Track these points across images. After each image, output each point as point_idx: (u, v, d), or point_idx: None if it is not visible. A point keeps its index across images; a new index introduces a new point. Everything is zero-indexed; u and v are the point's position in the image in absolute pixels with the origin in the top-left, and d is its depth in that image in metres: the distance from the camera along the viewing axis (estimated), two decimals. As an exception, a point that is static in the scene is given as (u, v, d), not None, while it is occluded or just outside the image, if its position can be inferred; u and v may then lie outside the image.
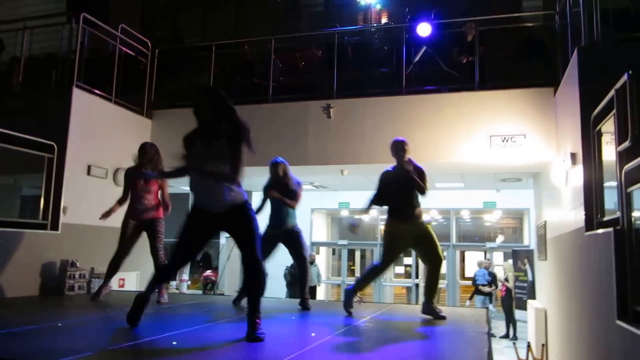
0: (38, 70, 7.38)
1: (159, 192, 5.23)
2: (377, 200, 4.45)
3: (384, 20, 8.88)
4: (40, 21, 7.28)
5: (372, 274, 4.53)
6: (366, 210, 4.50)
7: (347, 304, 4.43)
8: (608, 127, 3.89)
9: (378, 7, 8.89)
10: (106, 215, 5.12)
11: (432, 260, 4.33)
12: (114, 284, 6.29)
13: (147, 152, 5.07)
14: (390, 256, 4.42)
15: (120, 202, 5.20)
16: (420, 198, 4.37)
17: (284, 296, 10.33)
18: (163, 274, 3.63)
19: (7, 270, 5.27)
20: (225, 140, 3.18)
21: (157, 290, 5.07)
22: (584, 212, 4.36)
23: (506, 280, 10.81)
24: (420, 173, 4.34)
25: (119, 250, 5.12)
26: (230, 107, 3.25)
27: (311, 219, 13.65)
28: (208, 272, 12.37)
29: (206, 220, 3.28)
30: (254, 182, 7.42)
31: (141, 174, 4.96)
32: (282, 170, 4.95)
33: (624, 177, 3.30)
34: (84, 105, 6.44)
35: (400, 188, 4.28)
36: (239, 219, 3.24)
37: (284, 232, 4.86)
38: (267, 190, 4.93)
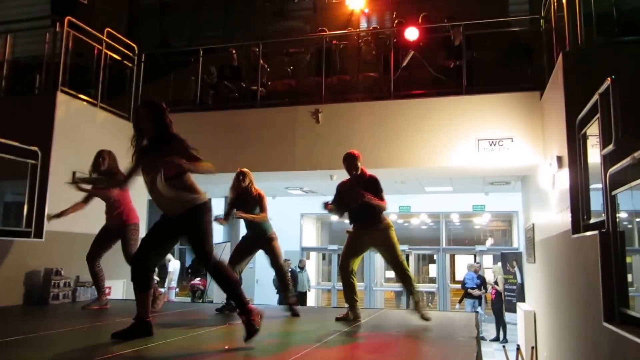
0: (22, 74, 7.29)
1: (121, 196, 5.11)
2: (337, 209, 4.46)
3: (372, 24, 8.90)
4: (24, 24, 7.20)
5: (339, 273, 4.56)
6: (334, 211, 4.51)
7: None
8: (593, 131, 3.91)
9: (366, 11, 8.91)
10: (52, 217, 5.04)
11: (392, 263, 4.38)
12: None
13: (105, 159, 4.98)
14: (345, 252, 4.43)
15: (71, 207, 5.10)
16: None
17: (276, 302, 10.27)
18: (138, 282, 3.44)
19: (-11, 279, 5.15)
20: (161, 154, 3.20)
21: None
22: (570, 215, 4.38)
23: (496, 283, 10.85)
24: (374, 183, 4.34)
25: (88, 254, 5.06)
26: (167, 123, 3.30)
27: (301, 224, 13.63)
28: (196, 280, 12.28)
29: (167, 224, 3.33)
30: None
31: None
32: (248, 180, 4.88)
33: (609, 180, 3.32)
34: (68, 110, 6.35)
35: (355, 201, 4.27)
36: (189, 223, 3.27)
37: (259, 240, 4.85)
38: (231, 206, 4.85)
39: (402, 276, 4.38)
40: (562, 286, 5.07)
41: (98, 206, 5.23)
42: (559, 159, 4.89)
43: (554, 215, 5.27)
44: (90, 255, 5.08)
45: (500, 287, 10.59)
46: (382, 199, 4.31)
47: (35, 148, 5.78)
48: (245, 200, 4.83)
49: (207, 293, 11.88)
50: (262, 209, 4.82)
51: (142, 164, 3.29)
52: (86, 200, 5.06)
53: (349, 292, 4.42)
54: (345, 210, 4.46)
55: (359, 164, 4.43)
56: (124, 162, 4.92)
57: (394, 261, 4.36)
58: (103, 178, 4.97)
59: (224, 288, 3.33)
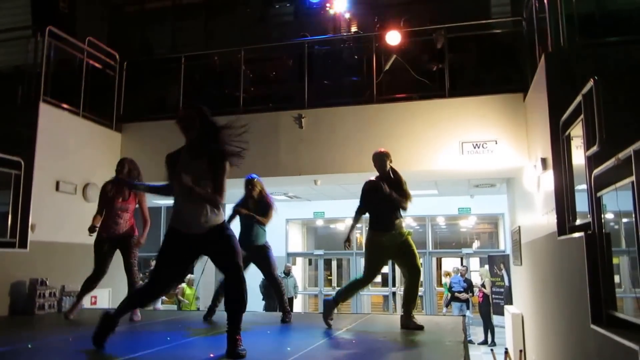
0: (3, 84, 7.16)
1: (135, 209, 5.07)
2: (362, 211, 4.40)
3: (353, 29, 8.93)
4: (5, 34, 7.09)
5: (355, 286, 4.45)
6: (355, 222, 4.43)
7: (327, 315, 4.37)
8: (577, 132, 3.95)
9: (347, 16, 8.94)
10: (93, 229, 4.87)
11: (411, 272, 4.28)
12: (85, 301, 6.11)
13: (124, 167, 4.91)
14: (373, 269, 4.36)
15: (98, 215, 4.98)
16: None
17: (262, 309, 10.20)
18: (138, 300, 3.42)
19: (-26, 291, 5.07)
20: (208, 160, 3.12)
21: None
22: (556, 217, 4.42)
23: (483, 286, 10.90)
24: (400, 183, 4.33)
25: (96, 270, 4.91)
26: (217, 127, 3.19)
27: (286, 230, 13.57)
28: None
29: (185, 243, 3.16)
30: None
31: (126, 184, 4.78)
32: (258, 187, 4.86)
33: (594, 182, 3.35)
34: (51, 119, 6.27)
35: (382, 199, 4.25)
36: (218, 241, 3.15)
37: (254, 250, 4.77)
38: (237, 208, 4.82)
39: (411, 287, 4.28)
40: (549, 288, 5.10)
41: (81, 216, 5.14)
42: (544, 160, 4.93)
43: (539, 217, 5.31)
44: (100, 273, 4.91)
45: (487, 290, 10.65)
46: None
47: (18, 158, 5.70)
48: (254, 209, 4.77)
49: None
50: (266, 215, 4.78)
51: (186, 170, 3.12)
52: (102, 209, 4.94)
53: (348, 296, 4.50)
54: (369, 211, 4.39)
55: (388, 163, 4.36)
56: (105, 170, 4.88)
57: (412, 270, 4.26)
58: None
59: (238, 302, 3.11)
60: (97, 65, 7.39)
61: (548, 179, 4.80)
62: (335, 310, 4.54)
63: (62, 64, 7.09)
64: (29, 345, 3.66)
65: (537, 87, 5.36)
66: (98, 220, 4.91)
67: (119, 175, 4.86)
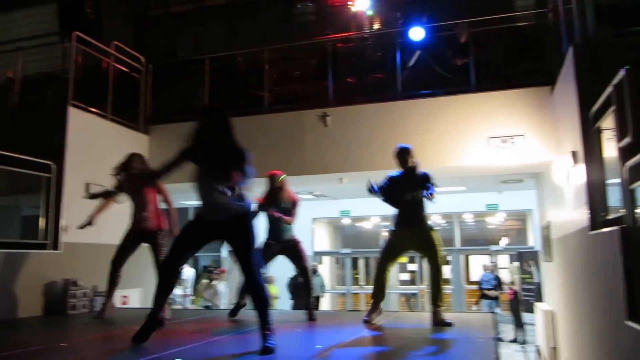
0: (33, 90, 7.38)
1: (158, 198, 5.17)
2: (383, 192, 4.38)
3: (376, 26, 8.88)
4: (34, 41, 7.31)
5: (376, 275, 4.50)
6: (379, 194, 4.39)
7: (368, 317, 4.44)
8: (608, 124, 3.84)
9: (369, 13, 8.89)
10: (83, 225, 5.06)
11: (432, 268, 4.32)
12: (116, 301, 6.25)
13: (133, 163, 5.01)
14: (384, 258, 4.42)
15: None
16: (427, 204, 4.33)
17: (289, 308, 10.24)
18: (167, 284, 3.47)
19: (10, 291, 5.26)
20: (223, 161, 3.19)
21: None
22: (587, 211, 4.30)
23: (512, 283, 10.71)
24: (427, 179, 4.31)
25: (114, 259, 5.05)
26: (232, 131, 3.29)
27: (312, 229, 13.59)
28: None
29: (206, 227, 3.30)
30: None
31: (140, 177, 4.89)
32: (281, 182, 4.87)
33: (627, 174, 3.25)
34: (80, 123, 6.42)
35: (405, 194, 4.24)
36: (237, 231, 3.25)
37: (283, 244, 4.81)
38: (264, 206, 4.81)
39: (435, 283, 4.32)
40: (581, 284, 4.97)
41: (112, 217, 5.27)
42: (574, 154, 4.81)
43: (570, 212, 5.18)
44: (118, 259, 5.07)
45: (517, 287, 10.45)
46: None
47: (49, 162, 5.86)
48: (277, 204, 4.77)
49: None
50: (292, 214, 4.80)
51: (203, 161, 3.24)
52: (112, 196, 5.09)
53: (380, 289, 4.44)
54: (390, 202, 4.39)
55: (411, 158, 4.36)
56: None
57: (434, 266, 4.29)
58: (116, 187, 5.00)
59: (258, 299, 3.23)
60: (123, 68, 7.54)
61: (578, 173, 4.68)
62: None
63: (90, 69, 7.27)
64: (64, 344, 3.77)
65: (565, 79, 5.24)
66: (94, 219, 5.08)
67: (129, 170, 4.98)
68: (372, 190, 4.29)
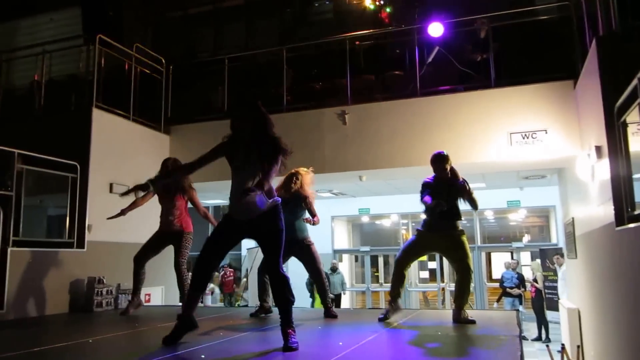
0: (58, 92, 7.54)
1: (187, 204, 5.26)
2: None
3: (394, 23, 8.84)
4: (58, 45, 7.46)
5: (394, 272, 4.48)
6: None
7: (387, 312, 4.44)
8: (633, 117, 3.77)
9: (388, 10, 8.85)
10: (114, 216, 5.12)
11: (461, 271, 4.28)
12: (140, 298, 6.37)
13: (168, 167, 5.09)
14: (408, 250, 4.43)
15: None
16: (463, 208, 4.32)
17: (309, 305, 10.27)
18: (199, 283, 3.47)
19: (38, 289, 5.41)
20: (260, 157, 3.20)
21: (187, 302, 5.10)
22: (613, 207, 4.23)
23: (535, 280, 10.56)
24: (463, 189, 4.28)
25: (136, 256, 5.16)
26: (269, 126, 3.30)
27: (332, 227, 13.60)
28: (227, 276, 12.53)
29: (236, 227, 3.33)
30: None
31: (160, 178, 4.94)
32: (300, 183, 4.84)
33: (654, 168, 3.19)
34: (103, 124, 6.55)
35: (446, 200, 4.20)
36: (266, 229, 3.26)
37: (295, 245, 4.72)
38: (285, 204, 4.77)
39: (461, 286, 4.27)
40: (607, 281, 4.89)
41: (135, 218, 5.36)
42: (598, 148, 4.73)
43: (595, 207, 5.10)
44: (140, 257, 5.19)
45: (539, 285, 10.31)
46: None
47: (74, 162, 5.99)
48: (293, 203, 4.72)
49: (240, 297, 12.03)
50: (313, 214, 4.76)
51: (236, 157, 3.25)
52: (141, 200, 5.13)
53: (397, 286, 4.43)
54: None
55: (447, 166, 4.34)
56: (155, 171, 5.08)
57: (463, 270, 4.24)
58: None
59: (282, 297, 3.25)
60: (145, 70, 7.65)
61: (603, 168, 4.60)
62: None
63: (112, 71, 7.40)
64: (90, 341, 3.86)
65: (588, 72, 5.14)
66: (126, 211, 5.12)
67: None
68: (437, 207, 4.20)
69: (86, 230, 6.04)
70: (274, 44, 8.15)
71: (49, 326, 4.87)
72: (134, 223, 5.39)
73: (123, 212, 5.13)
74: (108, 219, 5.10)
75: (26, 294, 5.29)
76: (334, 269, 11.67)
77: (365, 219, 14.50)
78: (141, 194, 4.91)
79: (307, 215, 4.78)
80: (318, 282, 4.87)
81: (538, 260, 10.79)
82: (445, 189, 4.26)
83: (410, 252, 4.47)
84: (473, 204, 4.28)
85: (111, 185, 6.51)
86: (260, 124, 3.29)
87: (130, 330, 4.43)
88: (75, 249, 5.93)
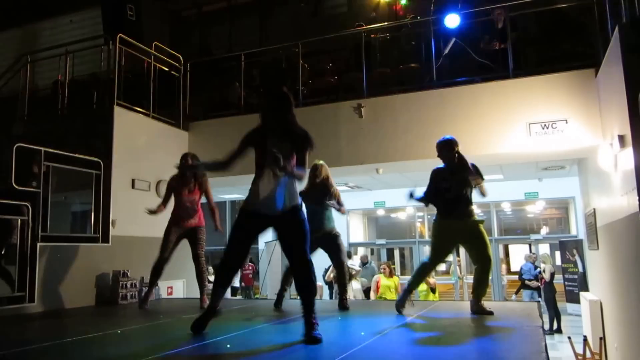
0: (81, 91, 7.67)
1: (201, 198, 5.36)
2: (428, 198, 4.37)
3: (410, 15, 8.78)
4: (80, 45, 7.58)
5: (421, 271, 4.45)
6: (423, 201, 4.41)
7: (400, 304, 4.42)
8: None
9: (403, 1, 8.81)
10: (152, 212, 5.29)
11: (481, 261, 4.23)
12: (162, 291, 6.50)
13: (187, 161, 5.19)
14: (437, 254, 4.35)
15: (162, 205, 5.38)
16: (475, 195, 4.28)
17: (327, 297, 10.32)
18: (225, 280, 3.52)
19: (65, 282, 5.56)
20: (294, 142, 3.25)
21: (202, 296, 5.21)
22: (637, 197, 4.18)
23: (543, 271, 10.42)
24: (465, 170, 4.26)
25: (160, 257, 5.27)
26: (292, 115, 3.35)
27: (347, 220, 13.63)
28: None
29: (258, 222, 3.33)
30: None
31: (188, 167, 5.06)
32: (323, 173, 4.91)
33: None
34: (124, 122, 6.65)
35: (451, 185, 4.21)
36: (291, 222, 3.27)
37: (322, 236, 4.78)
38: (310, 196, 4.76)
39: (481, 277, 4.25)
40: (630, 272, 4.84)
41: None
42: (621, 137, 4.67)
43: (617, 198, 5.04)
44: (165, 260, 5.26)
45: (547, 277, 10.20)
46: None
47: (97, 159, 6.12)
48: (320, 194, 4.80)
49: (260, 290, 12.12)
50: (341, 203, 4.84)
51: (263, 146, 3.24)
52: (166, 202, 5.35)
53: (418, 282, 4.48)
54: (434, 203, 4.36)
55: (455, 151, 4.30)
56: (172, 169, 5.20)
57: (483, 260, 4.19)
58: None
59: (308, 288, 3.27)
60: (164, 68, 7.74)
61: (626, 157, 4.54)
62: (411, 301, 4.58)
63: (132, 69, 7.51)
64: (119, 332, 3.96)
65: (610, 60, 5.08)
66: (161, 210, 5.33)
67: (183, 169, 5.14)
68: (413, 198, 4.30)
69: (110, 225, 6.17)
70: (289, 40, 8.16)
71: (78, 318, 5.02)
72: (156, 217, 5.48)
73: (156, 211, 5.29)
74: (150, 213, 5.25)
75: (55, 287, 5.45)
76: (365, 263, 11.24)
77: (380, 212, 14.50)
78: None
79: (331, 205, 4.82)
80: (340, 272, 4.91)
81: (547, 253, 10.69)
82: (456, 176, 4.21)
83: (440, 253, 4.36)
84: (482, 191, 4.20)
85: (133, 181, 6.63)
86: (292, 115, 3.34)
87: (157, 322, 4.53)
88: (101, 244, 6.07)
